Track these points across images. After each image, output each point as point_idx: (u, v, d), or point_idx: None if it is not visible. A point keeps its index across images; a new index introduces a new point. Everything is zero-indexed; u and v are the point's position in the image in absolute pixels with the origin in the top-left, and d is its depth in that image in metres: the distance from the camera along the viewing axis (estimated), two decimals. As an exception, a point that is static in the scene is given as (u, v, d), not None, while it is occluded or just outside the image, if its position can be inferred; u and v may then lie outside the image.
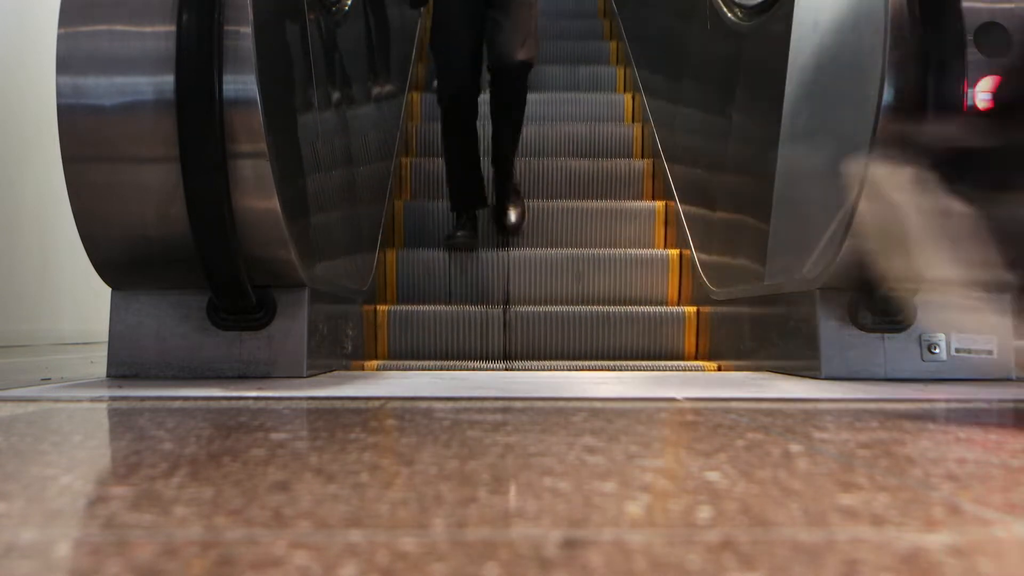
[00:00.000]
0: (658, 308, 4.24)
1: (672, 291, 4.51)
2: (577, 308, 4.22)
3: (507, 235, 4.63)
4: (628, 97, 5.89)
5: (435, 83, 5.74)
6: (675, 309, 4.23)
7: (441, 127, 4.34)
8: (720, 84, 4.06)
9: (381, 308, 4.16)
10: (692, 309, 4.22)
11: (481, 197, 4.48)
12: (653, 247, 4.77)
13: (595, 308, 4.23)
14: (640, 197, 5.12)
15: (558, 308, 4.22)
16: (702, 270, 4.24)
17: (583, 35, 6.75)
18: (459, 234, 4.38)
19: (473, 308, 4.20)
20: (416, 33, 6.05)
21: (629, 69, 6.13)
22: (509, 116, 4.32)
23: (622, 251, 4.55)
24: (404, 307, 4.19)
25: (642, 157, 5.37)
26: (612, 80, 6.20)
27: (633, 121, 5.73)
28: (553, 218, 4.78)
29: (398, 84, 5.30)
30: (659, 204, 4.87)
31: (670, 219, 4.81)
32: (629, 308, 4.24)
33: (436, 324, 4.14)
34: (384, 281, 4.46)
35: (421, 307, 4.19)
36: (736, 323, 3.75)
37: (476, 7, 4.14)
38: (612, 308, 4.23)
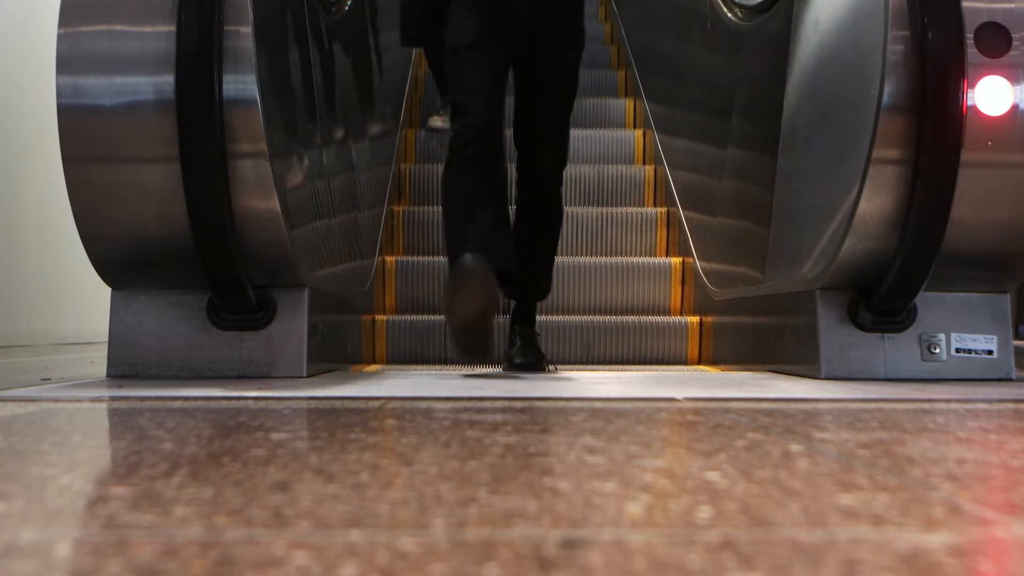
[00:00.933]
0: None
1: (692, 355, 4.13)
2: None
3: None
4: (639, 134, 5.39)
5: (431, 121, 5.39)
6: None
7: (444, 175, 3.28)
8: (736, 114, 3.82)
9: (368, 371, 3.79)
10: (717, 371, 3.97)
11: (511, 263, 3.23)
12: (669, 312, 4.33)
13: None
14: (654, 252, 4.65)
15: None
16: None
17: (588, 63, 6.23)
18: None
19: None
20: (412, 56, 5.79)
21: (639, 101, 5.65)
22: (540, 238, 3.48)
23: (635, 319, 4.14)
24: (393, 369, 3.82)
25: (655, 205, 4.92)
26: (621, 114, 5.70)
27: (644, 163, 5.24)
28: (557, 275, 4.08)
29: (395, 95, 5.19)
30: (675, 260, 4.42)
31: (687, 277, 4.36)
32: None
33: None
34: (373, 348, 4.08)
35: (411, 370, 3.87)
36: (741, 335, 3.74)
37: (504, 61, 3.31)
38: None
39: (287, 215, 2.72)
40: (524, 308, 3.55)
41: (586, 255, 4.57)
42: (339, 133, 3.64)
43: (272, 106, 2.70)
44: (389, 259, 4.40)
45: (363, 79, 4.28)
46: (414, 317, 4.16)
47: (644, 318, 4.18)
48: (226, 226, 2.60)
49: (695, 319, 4.18)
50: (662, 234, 4.70)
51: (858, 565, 0.83)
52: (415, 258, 4.44)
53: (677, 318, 4.20)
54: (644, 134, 5.37)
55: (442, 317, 3.97)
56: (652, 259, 4.49)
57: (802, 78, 3.12)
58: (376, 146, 4.50)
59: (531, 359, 3.41)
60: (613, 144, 5.33)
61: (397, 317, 4.15)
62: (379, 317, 4.12)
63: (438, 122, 5.25)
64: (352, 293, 3.74)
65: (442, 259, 4.30)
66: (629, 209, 4.79)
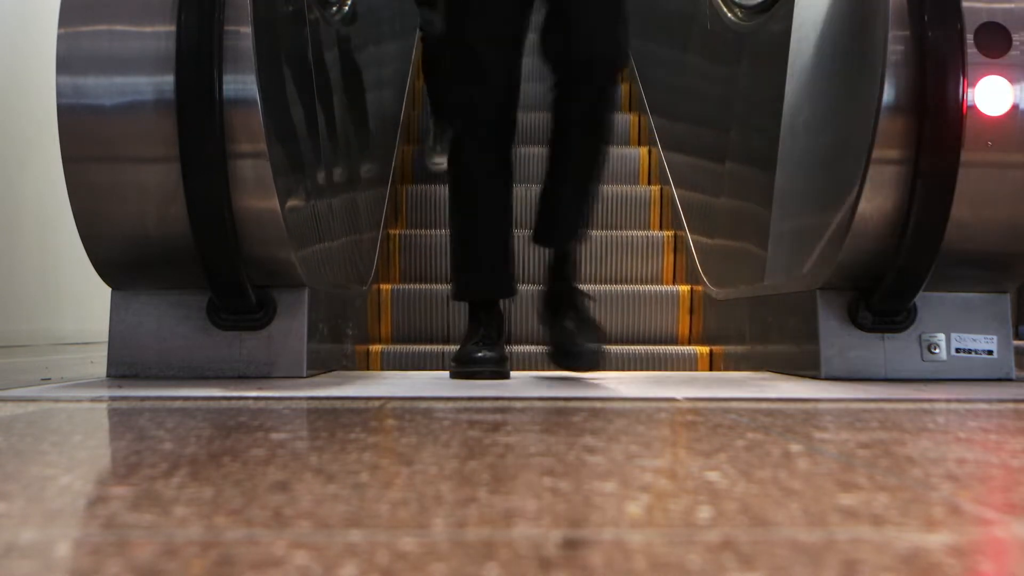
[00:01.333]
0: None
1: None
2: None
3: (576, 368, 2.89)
4: (644, 151, 5.13)
5: (430, 161, 5.00)
6: None
7: (453, 169, 2.86)
8: (737, 119, 3.70)
9: (368, 372, 3.68)
10: None
11: (511, 279, 2.89)
12: (677, 342, 4.12)
13: None
14: (660, 279, 4.41)
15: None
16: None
17: None
18: (480, 355, 2.77)
19: None
20: (410, 66, 5.66)
21: (644, 117, 5.38)
22: (590, 143, 2.77)
23: (642, 348, 3.95)
24: (392, 371, 3.70)
25: (661, 228, 4.67)
26: (625, 130, 5.36)
27: (650, 182, 4.98)
28: None
29: (393, 106, 5.11)
30: (683, 288, 4.20)
31: (696, 305, 4.15)
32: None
33: None
34: None
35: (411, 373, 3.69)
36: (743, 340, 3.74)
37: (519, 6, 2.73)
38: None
39: (287, 215, 2.72)
40: (561, 259, 2.93)
41: (588, 282, 4.27)
42: (338, 135, 3.64)
43: (272, 105, 2.70)
44: (384, 287, 4.16)
45: (361, 87, 4.26)
46: (411, 347, 3.97)
47: (651, 348, 3.99)
48: (226, 226, 2.60)
49: (704, 349, 3.99)
50: (669, 259, 4.45)
51: (858, 565, 0.83)
52: (413, 286, 4.21)
53: (686, 348, 4.02)
54: (649, 152, 5.14)
55: (441, 346, 3.86)
56: (659, 287, 4.27)
57: (802, 77, 3.12)
58: (373, 158, 4.42)
59: (585, 352, 2.78)
60: (617, 162, 4.97)
61: (393, 347, 3.96)
62: (373, 348, 3.94)
63: (440, 163, 4.84)
64: (352, 294, 3.74)
65: (443, 287, 4.08)
66: (634, 232, 4.53)
